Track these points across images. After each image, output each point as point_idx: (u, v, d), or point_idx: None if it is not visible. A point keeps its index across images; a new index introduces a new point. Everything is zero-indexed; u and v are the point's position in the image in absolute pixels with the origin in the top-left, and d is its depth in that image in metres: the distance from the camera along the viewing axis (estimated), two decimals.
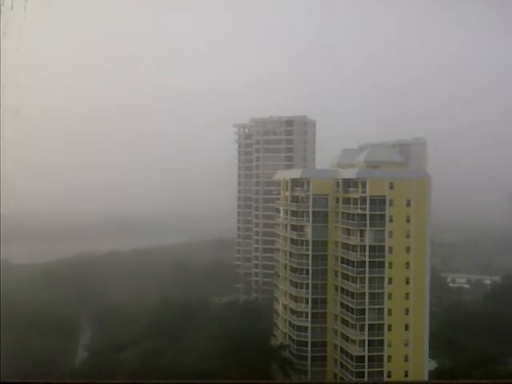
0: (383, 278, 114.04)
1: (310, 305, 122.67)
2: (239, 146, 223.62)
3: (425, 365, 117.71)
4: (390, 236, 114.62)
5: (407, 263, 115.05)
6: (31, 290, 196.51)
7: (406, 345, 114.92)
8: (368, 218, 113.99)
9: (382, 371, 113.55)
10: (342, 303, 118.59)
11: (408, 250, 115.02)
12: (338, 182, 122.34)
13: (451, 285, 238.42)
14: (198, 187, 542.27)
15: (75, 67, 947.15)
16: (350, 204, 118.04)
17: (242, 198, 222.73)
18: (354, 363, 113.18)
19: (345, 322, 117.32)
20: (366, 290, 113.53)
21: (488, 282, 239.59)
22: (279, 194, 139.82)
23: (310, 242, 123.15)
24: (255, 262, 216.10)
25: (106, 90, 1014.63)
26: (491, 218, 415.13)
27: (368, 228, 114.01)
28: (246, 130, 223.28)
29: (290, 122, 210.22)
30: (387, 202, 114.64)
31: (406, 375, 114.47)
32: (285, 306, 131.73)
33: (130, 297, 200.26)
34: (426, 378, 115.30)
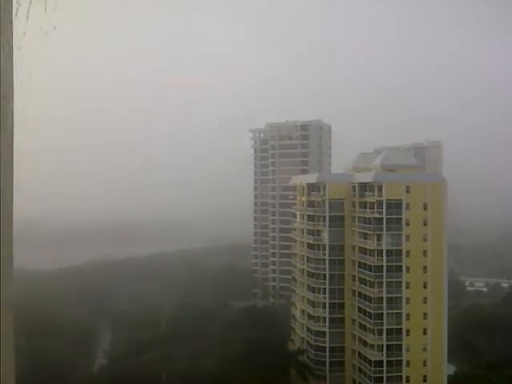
0: (401, 282, 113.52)
1: (327, 310, 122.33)
2: (255, 151, 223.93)
3: (443, 369, 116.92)
4: (407, 240, 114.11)
5: (424, 267, 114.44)
6: (48, 295, 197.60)
7: (425, 349, 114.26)
8: (385, 222, 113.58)
9: (401, 376, 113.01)
10: (359, 308, 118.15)
11: (425, 253, 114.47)
12: (354, 186, 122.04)
13: (469, 288, 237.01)
14: (214, 192, 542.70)
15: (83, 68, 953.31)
16: (366, 208, 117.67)
17: (258, 203, 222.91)
18: (372, 368, 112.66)
19: (363, 327, 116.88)
20: (384, 295, 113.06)
21: (506, 285, 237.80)
22: (295, 198, 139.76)
23: (327, 247, 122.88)
24: (272, 267, 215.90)
25: (116, 90, 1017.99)
26: (508, 220, 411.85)
27: (385, 232, 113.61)
28: (262, 135, 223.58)
29: (305, 127, 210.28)
30: (404, 206, 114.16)
31: (425, 380, 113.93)
32: (302, 311, 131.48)
33: (146, 302, 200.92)
34: (444, 383, 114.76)
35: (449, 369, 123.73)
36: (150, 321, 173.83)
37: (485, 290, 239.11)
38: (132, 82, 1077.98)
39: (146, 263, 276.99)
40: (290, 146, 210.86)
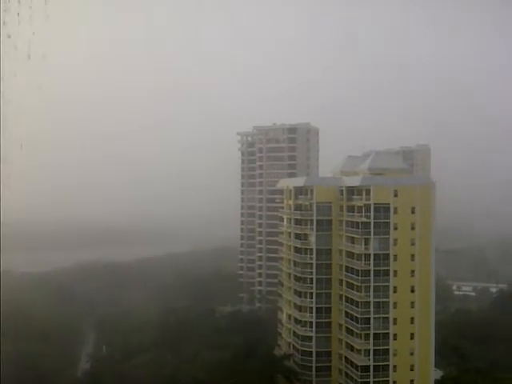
0: (388, 286, 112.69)
1: (314, 314, 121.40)
2: (242, 154, 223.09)
3: (431, 374, 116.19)
4: (395, 244, 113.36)
5: (412, 271, 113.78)
6: (35, 298, 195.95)
7: (412, 354, 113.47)
8: (372, 226, 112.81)
9: (388, 381, 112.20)
10: (346, 312, 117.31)
11: (413, 257, 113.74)
12: (341, 190, 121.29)
13: (457, 293, 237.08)
14: (200, 196, 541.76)
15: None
16: (354, 212, 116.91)
17: (245, 206, 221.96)
18: (359, 373, 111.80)
19: (350, 332, 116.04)
20: (371, 299, 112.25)
21: (494, 289, 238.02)
22: (283, 202, 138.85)
23: (314, 251, 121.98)
24: (259, 271, 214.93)
25: (108, 95, 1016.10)
26: (497, 224, 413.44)
27: (372, 236, 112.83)
28: (249, 138, 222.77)
29: (292, 130, 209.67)
30: (391, 210, 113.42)
31: None
32: (289, 316, 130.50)
33: (132, 306, 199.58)
34: None
35: (436, 373, 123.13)
36: (136, 325, 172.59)
37: (472, 294, 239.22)
38: (123, 83, 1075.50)
39: (132, 267, 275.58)
40: (278, 150, 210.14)
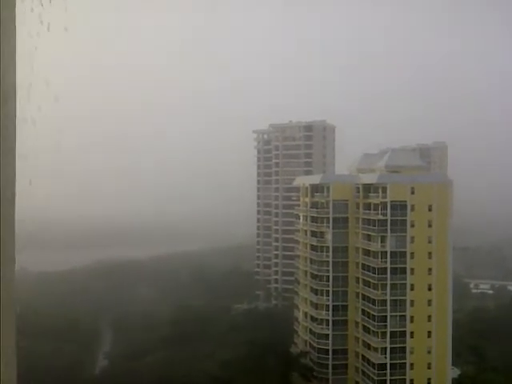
0: (405, 284, 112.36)
1: (330, 312, 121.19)
2: (258, 152, 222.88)
3: (448, 372, 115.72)
4: (412, 242, 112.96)
5: (429, 269, 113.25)
6: (51, 297, 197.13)
7: (429, 352, 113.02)
8: (389, 224, 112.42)
9: (405, 379, 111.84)
10: (363, 310, 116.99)
11: (430, 255, 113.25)
12: (358, 188, 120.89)
13: (474, 291, 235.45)
14: (216, 194, 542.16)
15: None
16: (370, 209, 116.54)
17: (261, 204, 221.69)
18: (375, 371, 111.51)
19: (366, 330, 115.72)
20: (388, 297, 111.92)
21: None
22: (299, 199, 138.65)
23: (331, 249, 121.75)
24: (275, 268, 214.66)
25: (126, 90, 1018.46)
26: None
27: (389, 234, 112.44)
28: (265, 136, 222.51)
29: (308, 127, 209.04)
30: (408, 207, 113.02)
31: (429, 383, 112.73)
32: (305, 314, 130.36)
33: (149, 304, 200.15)
34: None
35: (453, 372, 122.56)
36: (152, 323, 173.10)
37: (490, 292, 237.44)
38: (129, 79, 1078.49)
39: (148, 265, 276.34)
40: (294, 147, 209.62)
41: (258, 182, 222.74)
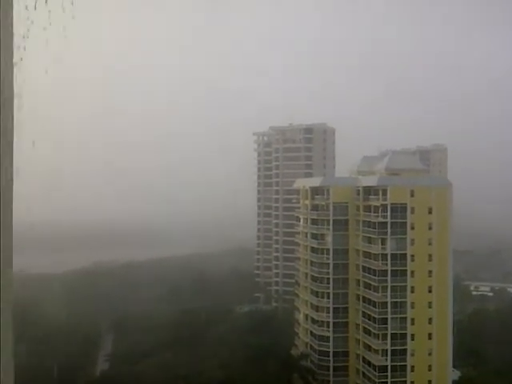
0: (405, 286, 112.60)
1: (331, 314, 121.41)
2: (258, 155, 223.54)
3: (449, 374, 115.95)
4: (412, 244, 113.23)
5: (430, 271, 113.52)
6: (50, 299, 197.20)
7: (430, 354, 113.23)
8: (389, 226, 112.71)
9: (405, 381, 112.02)
10: (363, 312, 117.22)
11: (430, 258, 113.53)
12: (358, 190, 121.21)
13: (474, 293, 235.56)
14: (218, 196, 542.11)
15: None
16: (370, 212, 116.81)
17: (261, 206, 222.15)
18: (376, 373, 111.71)
19: (367, 332, 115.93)
20: (389, 299, 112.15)
21: None
22: (299, 202, 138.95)
23: (331, 251, 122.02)
24: (275, 270, 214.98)
25: (123, 92, 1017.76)
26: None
27: (389, 236, 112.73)
28: (265, 138, 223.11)
29: (309, 130, 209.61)
30: (408, 210, 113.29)
31: None
32: (306, 316, 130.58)
33: (148, 307, 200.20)
34: None
35: (454, 374, 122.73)
36: (152, 326, 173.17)
37: (490, 294, 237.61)
38: (130, 82, 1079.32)
39: (148, 268, 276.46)
40: (294, 150, 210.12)
41: (259, 184, 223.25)
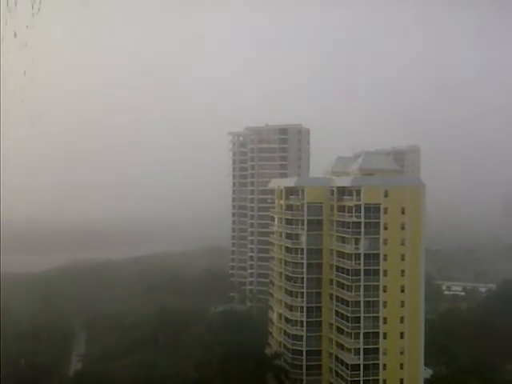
0: (378, 286, 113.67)
1: (305, 313, 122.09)
2: (234, 155, 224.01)
3: (420, 373, 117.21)
4: (385, 244, 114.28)
5: (402, 271, 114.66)
6: (26, 299, 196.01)
7: (402, 353, 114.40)
8: (363, 226, 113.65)
9: (378, 379, 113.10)
10: (337, 312, 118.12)
11: (403, 257, 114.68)
12: (332, 190, 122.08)
13: (446, 292, 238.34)
14: (192, 196, 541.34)
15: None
16: (344, 212, 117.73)
17: (236, 206, 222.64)
18: (349, 372, 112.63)
19: (340, 331, 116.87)
20: (361, 299, 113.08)
21: (483, 289, 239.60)
22: (274, 202, 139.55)
23: (305, 251, 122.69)
24: (250, 270, 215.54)
25: (99, 94, 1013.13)
26: (487, 226, 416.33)
27: (363, 236, 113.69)
28: (241, 139, 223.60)
29: (284, 131, 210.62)
30: (382, 210, 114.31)
31: (402, 383, 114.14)
32: (280, 315, 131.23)
33: (123, 306, 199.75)
34: None
35: (426, 372, 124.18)
36: (127, 325, 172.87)
37: (462, 293, 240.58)
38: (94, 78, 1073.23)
39: (123, 267, 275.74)
40: (269, 150, 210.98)
41: (234, 184, 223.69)
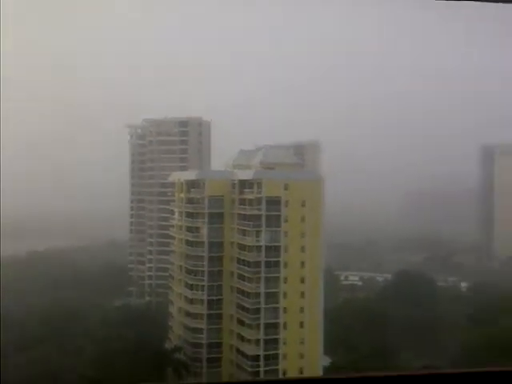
0: (279, 277, 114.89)
1: (205, 306, 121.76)
2: (132, 147, 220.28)
3: (319, 361, 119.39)
4: (286, 236, 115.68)
5: (302, 262, 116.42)
6: None
7: (302, 343, 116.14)
8: (264, 219, 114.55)
9: (278, 369, 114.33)
10: (237, 304, 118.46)
11: (303, 249, 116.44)
12: (234, 183, 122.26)
13: (344, 282, 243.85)
14: (88, 188, 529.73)
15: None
16: (245, 205, 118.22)
17: (134, 200, 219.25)
18: (249, 362, 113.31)
19: (240, 322, 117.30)
20: (262, 290, 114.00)
21: (380, 279, 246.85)
22: (174, 195, 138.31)
23: (206, 244, 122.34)
24: (149, 264, 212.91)
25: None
26: (388, 219, 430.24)
27: (264, 228, 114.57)
28: (139, 131, 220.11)
29: (184, 123, 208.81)
30: (282, 203, 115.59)
31: (301, 372, 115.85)
32: (180, 309, 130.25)
33: (16, 300, 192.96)
34: (320, 374, 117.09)
35: (325, 360, 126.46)
36: (21, 320, 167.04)
37: (360, 283, 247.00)
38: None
39: (19, 261, 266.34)
40: (169, 143, 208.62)
41: (132, 177, 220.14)
